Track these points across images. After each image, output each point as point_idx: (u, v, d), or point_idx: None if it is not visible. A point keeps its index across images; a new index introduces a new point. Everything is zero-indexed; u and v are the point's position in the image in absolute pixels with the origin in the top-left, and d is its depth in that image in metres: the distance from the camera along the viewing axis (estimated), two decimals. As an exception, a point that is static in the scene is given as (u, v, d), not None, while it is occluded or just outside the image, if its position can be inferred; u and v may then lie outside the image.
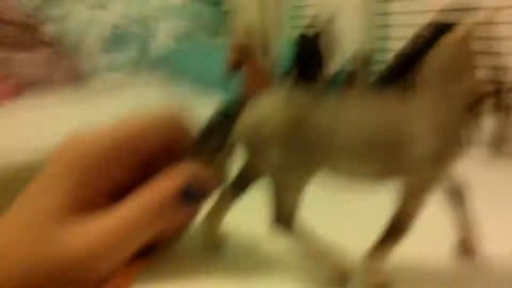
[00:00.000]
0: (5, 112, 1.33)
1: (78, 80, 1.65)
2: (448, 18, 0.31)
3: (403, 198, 0.30)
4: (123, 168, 0.24)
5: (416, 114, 0.29)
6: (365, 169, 0.30)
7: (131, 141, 0.24)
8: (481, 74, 0.32)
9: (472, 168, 0.35)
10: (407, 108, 0.29)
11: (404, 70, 0.32)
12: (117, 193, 0.24)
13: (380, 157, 0.29)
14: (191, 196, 0.24)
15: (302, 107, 0.29)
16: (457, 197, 0.35)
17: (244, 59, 0.51)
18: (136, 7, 1.91)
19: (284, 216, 0.30)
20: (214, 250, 0.31)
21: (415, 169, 0.29)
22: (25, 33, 1.66)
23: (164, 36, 1.93)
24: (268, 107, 0.29)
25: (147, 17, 1.97)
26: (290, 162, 0.29)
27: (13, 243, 0.21)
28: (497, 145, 0.32)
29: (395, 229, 0.30)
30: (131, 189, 0.24)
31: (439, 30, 0.32)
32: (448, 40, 0.30)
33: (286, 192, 0.30)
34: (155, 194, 0.23)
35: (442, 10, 0.31)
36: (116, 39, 1.96)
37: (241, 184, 0.31)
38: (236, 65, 0.48)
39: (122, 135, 0.24)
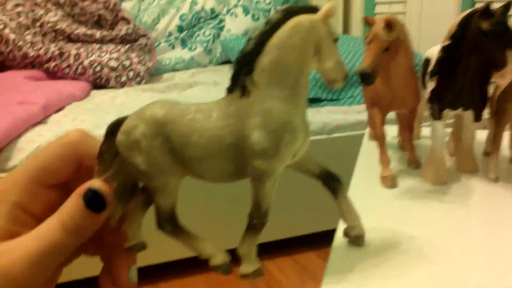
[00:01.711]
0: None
1: (149, 74, 1.73)
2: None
3: (253, 192, 0.32)
4: (42, 195, 0.30)
5: (246, 113, 0.32)
6: (221, 172, 0.33)
7: (41, 173, 0.29)
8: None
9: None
10: (239, 108, 0.32)
11: (245, 70, 0.32)
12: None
13: (229, 158, 0.32)
14: (93, 202, 0.28)
15: (169, 116, 0.32)
16: (334, 186, 0.37)
17: (385, 61, 0.49)
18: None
19: (165, 219, 0.33)
20: (141, 250, 0.34)
21: (252, 165, 0.31)
22: (107, 9, 1.76)
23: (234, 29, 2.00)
24: (138, 116, 0.32)
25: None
26: (157, 168, 0.32)
27: None
28: None
29: (255, 221, 0.33)
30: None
31: (271, 28, 0.33)
32: (274, 39, 0.32)
33: (163, 195, 0.33)
34: (66, 208, 0.28)
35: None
36: (184, 33, 2.02)
37: (126, 192, 0.34)
38: (375, 68, 0.48)
39: (32, 168, 0.29)
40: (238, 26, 2.06)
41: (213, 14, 2.13)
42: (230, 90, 0.33)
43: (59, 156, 0.30)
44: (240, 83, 0.32)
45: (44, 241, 0.26)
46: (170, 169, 0.32)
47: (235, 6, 2.10)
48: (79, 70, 1.59)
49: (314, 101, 1.43)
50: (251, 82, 0.32)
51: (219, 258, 0.34)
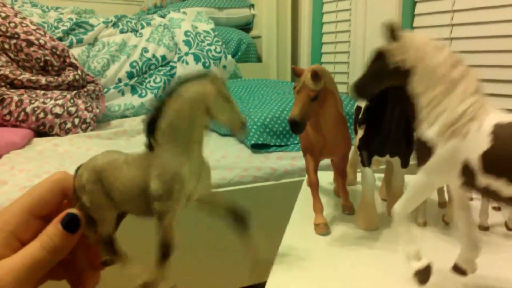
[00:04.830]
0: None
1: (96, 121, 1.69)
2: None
3: (157, 226, 0.39)
4: (34, 225, 0.37)
5: (150, 165, 0.40)
6: (139, 210, 0.41)
7: (36, 206, 0.38)
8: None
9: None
10: (148, 161, 0.40)
11: (150, 130, 0.40)
12: None
13: (142, 200, 0.40)
14: (69, 225, 0.37)
15: (104, 165, 0.41)
16: (241, 224, 0.44)
17: (314, 109, 0.51)
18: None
19: (105, 241, 0.43)
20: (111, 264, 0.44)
21: (153, 206, 0.39)
22: (54, 56, 1.72)
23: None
24: (86, 165, 0.42)
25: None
26: (96, 205, 0.41)
27: None
28: None
29: (163, 252, 0.39)
30: None
31: (167, 96, 0.40)
32: (168, 106, 0.39)
33: (102, 225, 0.42)
34: (46, 231, 0.36)
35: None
36: (135, 79, 2.01)
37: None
38: (304, 117, 0.50)
39: (28, 201, 0.38)
40: (189, 73, 2.08)
41: (164, 61, 2.15)
42: (146, 145, 0.41)
43: (50, 190, 0.39)
44: (147, 141, 0.40)
45: (28, 258, 0.34)
46: (106, 206, 0.41)
47: (186, 54, 2.13)
48: (21, 117, 1.53)
49: (263, 147, 1.44)
50: (154, 141, 0.40)
51: (144, 276, 0.40)
